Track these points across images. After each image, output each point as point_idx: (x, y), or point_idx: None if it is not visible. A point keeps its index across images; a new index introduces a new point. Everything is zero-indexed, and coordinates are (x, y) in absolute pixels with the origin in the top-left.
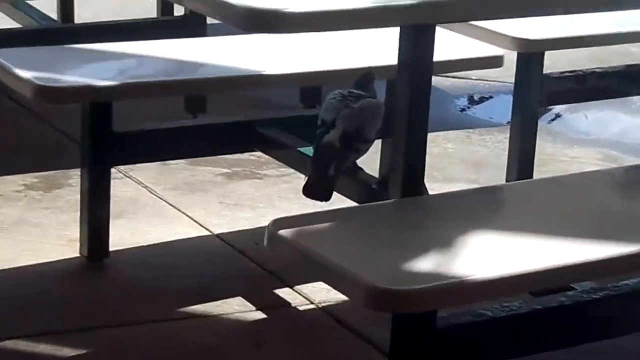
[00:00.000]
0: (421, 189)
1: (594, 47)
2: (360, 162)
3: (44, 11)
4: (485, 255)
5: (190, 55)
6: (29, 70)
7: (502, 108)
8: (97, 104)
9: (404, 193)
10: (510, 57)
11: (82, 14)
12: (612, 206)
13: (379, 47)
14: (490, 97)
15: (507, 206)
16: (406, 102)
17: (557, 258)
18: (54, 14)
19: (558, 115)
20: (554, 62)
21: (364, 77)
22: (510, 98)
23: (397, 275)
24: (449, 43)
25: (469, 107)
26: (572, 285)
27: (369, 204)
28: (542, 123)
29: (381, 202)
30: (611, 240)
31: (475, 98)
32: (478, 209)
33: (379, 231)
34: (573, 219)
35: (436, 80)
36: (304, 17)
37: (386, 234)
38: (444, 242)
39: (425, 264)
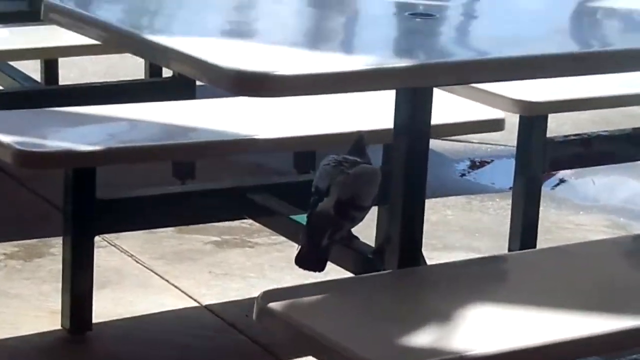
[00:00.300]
0: (419, 258)
1: (600, 110)
2: (355, 230)
3: (26, 73)
4: (486, 330)
5: (179, 119)
6: (9, 134)
7: (504, 173)
8: (80, 170)
9: (401, 263)
10: (512, 120)
11: (67, 76)
12: (620, 277)
13: (375, 110)
14: (492, 161)
15: (509, 277)
16: (403, 167)
17: (561, 332)
18: (37, 76)
19: (562, 181)
20: (559, 125)
21: (357, 142)
22: (513, 162)
23: (393, 350)
24: (447, 105)
25: (469, 172)
26: None
27: (364, 275)
28: (545, 189)
29: (377, 273)
30: (619, 313)
31: (476, 162)
32: (479, 280)
33: (374, 304)
34: (578, 291)
35: (435, 143)
36: (295, 80)
37: (382, 307)
38: (443, 315)
39: (423, 338)
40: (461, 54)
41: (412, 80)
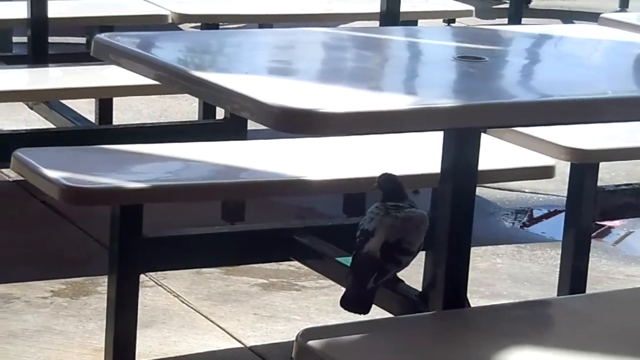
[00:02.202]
0: (463, 302)
1: None
2: (402, 274)
3: (81, 113)
4: None
5: (228, 159)
6: (58, 170)
7: (555, 222)
8: (127, 207)
9: (446, 307)
10: (565, 170)
11: (122, 118)
12: None
13: (425, 153)
14: (543, 210)
15: (555, 322)
16: (449, 210)
17: None
18: (91, 117)
19: (614, 231)
20: (612, 177)
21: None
22: (564, 212)
23: None
24: (497, 151)
25: (520, 221)
26: None
27: (405, 315)
28: (596, 239)
29: (419, 314)
30: None
31: (527, 211)
32: (523, 325)
33: (415, 345)
34: (627, 339)
35: (487, 192)
36: (340, 118)
37: (423, 349)
38: (485, 359)
39: None
40: (509, 96)
41: (458, 120)
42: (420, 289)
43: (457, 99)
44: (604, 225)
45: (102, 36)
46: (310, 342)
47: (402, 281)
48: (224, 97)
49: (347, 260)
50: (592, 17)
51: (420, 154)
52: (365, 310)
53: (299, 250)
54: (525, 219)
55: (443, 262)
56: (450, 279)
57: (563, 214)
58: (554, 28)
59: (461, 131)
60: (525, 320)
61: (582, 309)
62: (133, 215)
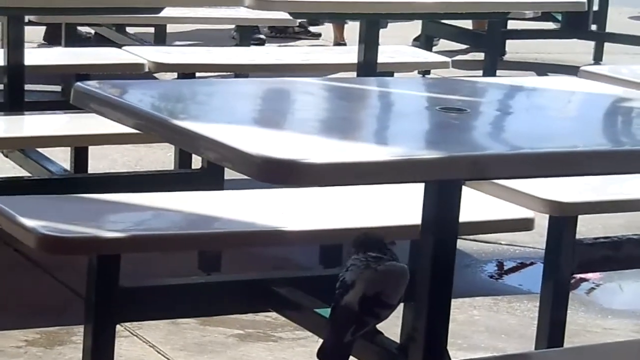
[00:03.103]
0: (443, 357)
1: (633, 215)
2: (380, 326)
3: (56, 161)
4: None
5: (205, 209)
6: (34, 218)
7: (532, 275)
8: (104, 257)
9: None
10: (542, 223)
11: (97, 167)
12: None
13: (403, 205)
14: (520, 263)
15: None
16: (430, 262)
17: None
18: (67, 165)
19: (591, 284)
20: (589, 230)
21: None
22: (541, 265)
23: None
24: (476, 204)
25: (497, 274)
26: None
27: None
28: (574, 292)
29: None
30: None
31: (504, 264)
32: None
33: None
34: None
35: (464, 244)
36: (323, 169)
37: None
38: None
39: None
40: (491, 148)
41: (440, 172)
42: (398, 341)
43: (440, 150)
44: (580, 277)
45: (82, 84)
46: None
47: (381, 333)
48: (205, 146)
49: (325, 312)
50: (565, 69)
51: (398, 205)
52: None
53: (276, 301)
54: (503, 271)
55: (424, 314)
56: (431, 332)
57: (540, 266)
58: (534, 80)
59: (443, 183)
60: None
61: None
62: (110, 265)
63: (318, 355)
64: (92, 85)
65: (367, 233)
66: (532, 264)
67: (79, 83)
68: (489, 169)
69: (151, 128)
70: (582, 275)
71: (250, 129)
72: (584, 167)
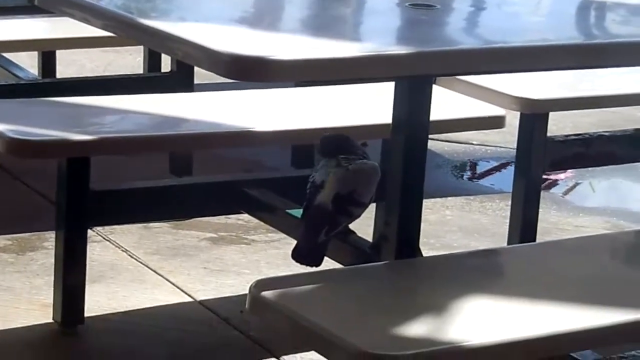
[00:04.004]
0: (416, 255)
1: (603, 114)
2: (352, 225)
3: (24, 67)
4: (481, 321)
5: (175, 111)
6: (3, 123)
7: (504, 174)
8: (74, 160)
9: (398, 258)
10: (513, 122)
11: (65, 72)
12: (617, 271)
13: (375, 105)
14: (492, 162)
15: (505, 270)
16: (401, 161)
17: (556, 325)
18: (35, 71)
19: (563, 182)
20: (559, 128)
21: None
22: (513, 164)
23: (389, 340)
24: (447, 102)
25: (469, 173)
26: (572, 355)
27: (360, 265)
28: (546, 191)
29: (372, 264)
30: (615, 306)
31: (476, 163)
32: (475, 273)
33: (370, 294)
34: (575, 285)
35: (435, 145)
36: (291, 65)
37: (378, 298)
38: (438, 306)
39: (418, 328)
40: (461, 43)
41: (409, 68)
42: (371, 241)
43: (410, 46)
44: (552, 177)
45: None
46: (264, 293)
47: (354, 232)
48: (173, 44)
49: (297, 213)
50: None
51: (368, 105)
52: (317, 263)
53: (248, 203)
54: (474, 170)
55: (395, 213)
56: (403, 230)
57: (511, 165)
58: None
59: (413, 80)
60: (477, 268)
61: (533, 256)
62: (80, 167)
63: (292, 256)
64: None
65: (332, 135)
66: (503, 163)
67: None
68: (460, 64)
69: (119, 28)
70: (554, 176)
71: (219, 27)
72: (556, 61)
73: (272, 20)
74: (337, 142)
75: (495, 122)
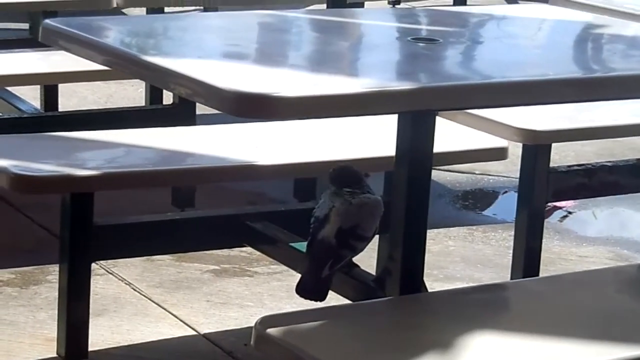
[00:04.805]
0: (420, 287)
1: (604, 142)
2: (356, 259)
3: (26, 100)
4: (488, 358)
5: (178, 145)
6: (6, 158)
7: (507, 204)
8: (77, 195)
9: (403, 292)
10: (515, 152)
11: (67, 104)
12: (623, 306)
13: (377, 137)
14: (495, 192)
15: (511, 305)
16: (404, 193)
17: None
18: (37, 104)
19: (566, 212)
20: (562, 157)
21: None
22: (515, 194)
23: None
24: (450, 134)
25: (471, 203)
26: None
27: (364, 301)
28: (549, 220)
29: (377, 299)
30: (622, 342)
31: (478, 194)
32: (480, 308)
33: (374, 331)
34: (580, 320)
35: (437, 175)
36: (296, 102)
37: (382, 334)
38: (444, 343)
39: None
40: (464, 78)
41: (413, 103)
42: (374, 273)
43: (413, 81)
44: (555, 206)
45: (51, 21)
46: (270, 330)
47: (358, 266)
48: (176, 81)
49: (300, 246)
50: None
51: (371, 138)
52: (322, 298)
53: (251, 236)
54: (477, 201)
55: (399, 246)
56: (407, 263)
57: (514, 195)
58: (504, 8)
59: (417, 114)
60: (482, 303)
61: (538, 291)
62: (84, 203)
63: (297, 291)
64: (60, 22)
65: (342, 167)
66: (506, 193)
67: (47, 20)
68: (462, 99)
69: (121, 64)
70: (556, 204)
71: (221, 63)
72: (556, 95)
73: (274, 55)
74: (345, 173)
75: (498, 154)
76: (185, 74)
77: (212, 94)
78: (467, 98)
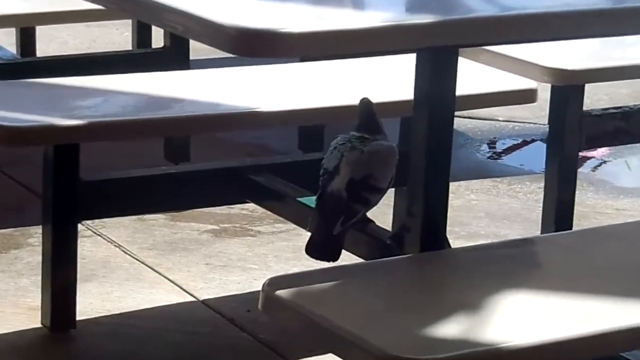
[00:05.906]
0: (443, 245)
1: (637, 83)
2: (369, 214)
3: (2, 45)
4: (520, 319)
5: (171, 91)
6: None
7: (534, 153)
8: (61, 148)
9: (424, 249)
10: (543, 96)
11: (46, 50)
12: None
13: (392, 80)
14: (521, 140)
15: (543, 262)
16: (425, 141)
17: (604, 322)
18: (13, 49)
19: (601, 161)
20: (594, 101)
21: (366, 112)
22: (543, 142)
23: (416, 342)
24: (473, 75)
25: (495, 153)
26: (623, 354)
27: (381, 259)
28: (580, 170)
29: (396, 257)
30: None
31: (503, 142)
32: (508, 265)
33: (393, 291)
34: (622, 276)
35: (456, 122)
36: (304, 38)
37: (402, 295)
38: (471, 303)
39: (448, 329)
40: (487, 10)
41: (433, 38)
42: (390, 230)
43: (434, 14)
44: (586, 155)
45: None
46: (279, 292)
47: (372, 221)
48: (170, 17)
49: (308, 201)
50: None
51: (384, 80)
52: (334, 258)
53: (254, 191)
54: (501, 150)
55: (420, 199)
56: (428, 219)
57: (542, 143)
58: None
59: (437, 51)
60: (511, 260)
61: (571, 245)
62: (68, 156)
63: (306, 251)
64: None
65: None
66: (533, 141)
67: None
68: (486, 33)
69: (109, 0)
70: (589, 153)
71: None
72: (585, 28)
73: None
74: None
75: (526, 96)
76: (180, 9)
77: (211, 30)
78: (491, 32)
